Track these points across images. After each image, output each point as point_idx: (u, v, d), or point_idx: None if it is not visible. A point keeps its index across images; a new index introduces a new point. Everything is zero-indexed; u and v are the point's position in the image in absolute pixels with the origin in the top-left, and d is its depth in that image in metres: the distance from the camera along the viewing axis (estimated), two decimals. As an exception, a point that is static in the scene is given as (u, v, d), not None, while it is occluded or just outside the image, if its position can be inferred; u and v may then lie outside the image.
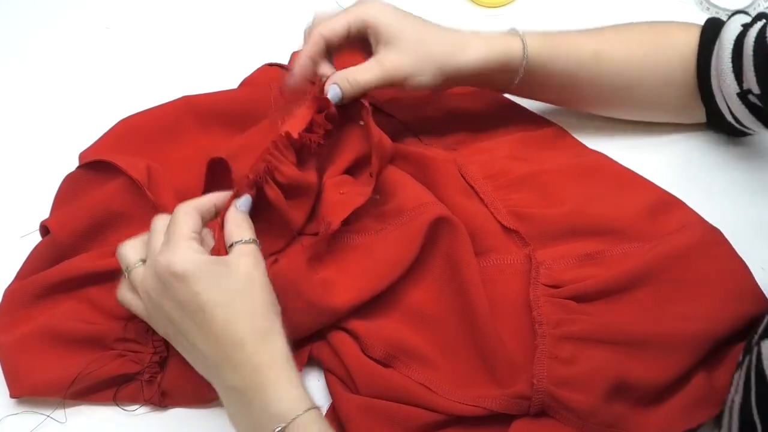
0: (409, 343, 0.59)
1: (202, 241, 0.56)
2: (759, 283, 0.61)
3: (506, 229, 0.65)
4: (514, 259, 0.63)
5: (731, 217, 0.67)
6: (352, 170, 0.66)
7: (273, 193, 0.59)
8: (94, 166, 0.68)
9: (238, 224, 0.56)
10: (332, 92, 0.62)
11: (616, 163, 0.72)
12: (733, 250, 0.63)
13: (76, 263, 0.63)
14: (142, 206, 0.65)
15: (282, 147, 0.59)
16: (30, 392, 0.60)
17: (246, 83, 0.79)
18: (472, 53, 0.65)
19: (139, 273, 0.55)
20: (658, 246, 0.63)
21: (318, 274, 0.60)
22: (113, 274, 0.61)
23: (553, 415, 0.56)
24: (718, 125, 0.73)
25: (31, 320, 0.62)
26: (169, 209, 0.58)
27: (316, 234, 0.62)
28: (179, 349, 0.56)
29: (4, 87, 0.84)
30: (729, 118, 0.70)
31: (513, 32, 0.67)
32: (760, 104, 0.65)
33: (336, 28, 0.63)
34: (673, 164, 0.73)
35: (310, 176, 0.62)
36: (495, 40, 0.66)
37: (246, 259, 0.54)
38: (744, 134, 0.73)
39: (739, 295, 0.60)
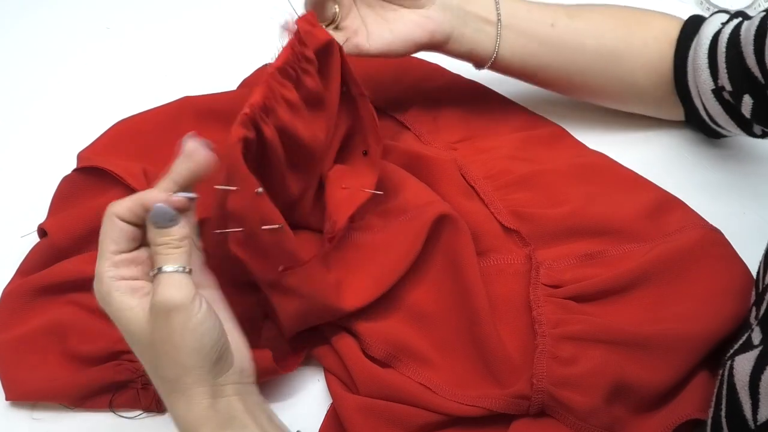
0: (409, 343, 0.59)
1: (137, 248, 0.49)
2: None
3: (506, 229, 0.64)
4: (514, 259, 0.63)
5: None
6: (345, 146, 0.64)
7: (270, 133, 0.55)
8: (92, 170, 0.68)
9: (163, 248, 0.48)
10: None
11: (617, 163, 0.72)
12: (733, 250, 0.63)
13: (73, 265, 0.63)
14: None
15: (274, 86, 0.55)
16: (25, 397, 0.60)
17: (245, 84, 0.79)
18: None
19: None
20: (658, 246, 0.63)
21: (330, 275, 0.60)
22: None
23: (552, 415, 0.56)
24: (696, 124, 0.73)
25: (26, 322, 0.62)
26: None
27: (320, 231, 0.62)
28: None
29: (4, 87, 0.84)
30: (704, 116, 0.70)
31: None
32: (733, 102, 0.65)
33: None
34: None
35: (307, 131, 0.58)
36: None
37: (171, 292, 0.46)
38: (720, 135, 0.73)
39: (739, 296, 0.60)
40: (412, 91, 0.75)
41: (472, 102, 0.76)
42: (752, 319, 0.55)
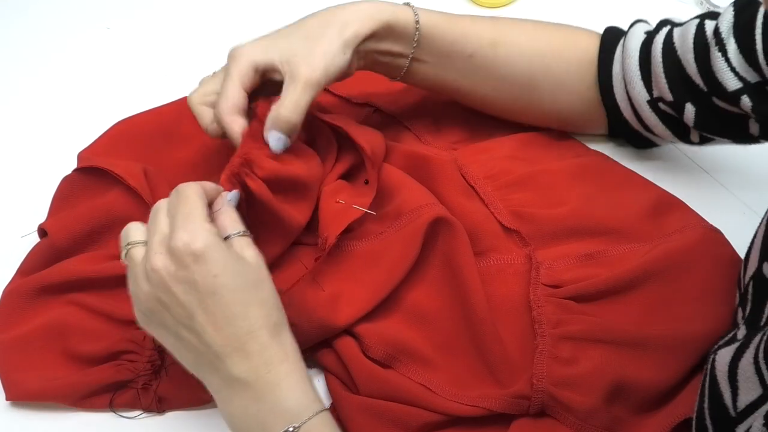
0: (408, 343, 0.59)
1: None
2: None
3: (506, 229, 0.64)
4: (514, 259, 0.63)
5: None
6: (348, 174, 0.66)
7: (255, 185, 0.58)
8: (92, 170, 0.68)
9: (231, 217, 0.54)
10: (274, 141, 0.58)
11: (617, 163, 0.72)
12: (733, 250, 0.63)
13: (73, 265, 0.63)
14: (141, 211, 0.65)
15: (257, 137, 0.58)
16: (25, 397, 0.60)
17: (246, 83, 0.79)
18: (362, 13, 0.62)
19: (139, 252, 0.51)
20: (658, 246, 0.63)
21: (324, 291, 0.60)
22: (110, 280, 0.61)
23: (552, 415, 0.56)
24: (622, 136, 0.73)
25: (27, 322, 0.62)
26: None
27: (314, 244, 0.62)
28: (171, 342, 0.52)
29: (4, 87, 0.84)
30: (637, 127, 0.69)
31: (405, 4, 0.65)
32: (671, 112, 0.65)
33: (233, 98, 0.59)
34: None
35: (296, 168, 0.60)
36: (383, 4, 0.63)
37: (251, 251, 0.52)
38: (649, 145, 0.73)
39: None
40: (411, 92, 0.75)
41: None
42: (739, 320, 0.55)
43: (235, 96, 0.59)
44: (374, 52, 0.64)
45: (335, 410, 0.59)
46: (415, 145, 0.72)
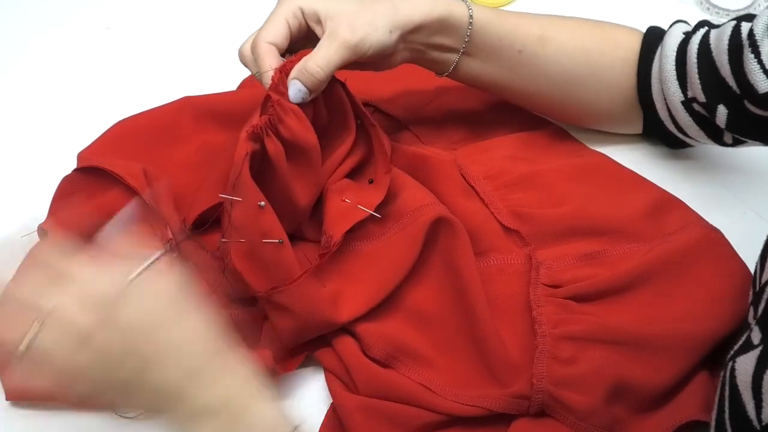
0: (408, 343, 0.59)
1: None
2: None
3: (506, 229, 0.64)
4: (514, 259, 0.63)
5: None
6: (354, 171, 0.66)
7: (274, 147, 0.57)
8: (91, 170, 0.67)
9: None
10: (294, 90, 0.57)
11: (617, 163, 0.72)
12: (733, 250, 0.63)
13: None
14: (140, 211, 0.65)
15: (285, 103, 0.57)
16: (26, 397, 0.60)
17: (245, 85, 0.79)
18: (419, 2, 0.62)
19: (66, 311, 0.45)
20: (658, 246, 0.63)
21: (325, 287, 0.60)
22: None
23: (552, 415, 0.56)
24: (657, 136, 0.73)
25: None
26: (166, 213, 0.57)
27: (318, 241, 0.62)
28: (116, 398, 0.49)
29: (4, 87, 0.84)
30: (671, 128, 0.69)
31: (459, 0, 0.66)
32: (705, 113, 0.65)
33: (275, 28, 0.59)
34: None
35: (312, 137, 0.59)
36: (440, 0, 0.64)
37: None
38: (683, 146, 0.73)
39: (739, 296, 0.60)
40: (411, 92, 0.75)
41: (472, 102, 0.76)
42: (750, 319, 0.55)
43: (275, 27, 0.59)
44: (424, 46, 0.64)
45: (335, 410, 0.59)
46: (415, 145, 0.72)
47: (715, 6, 0.87)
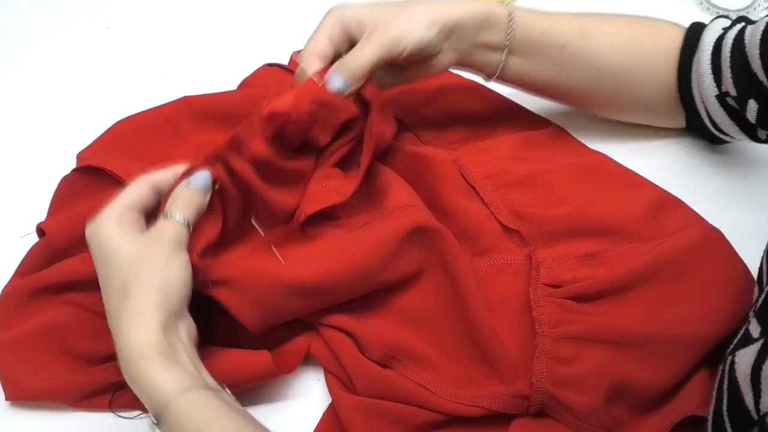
0: (406, 344, 0.59)
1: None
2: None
3: (507, 229, 0.64)
4: (514, 259, 0.63)
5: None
6: (344, 162, 0.65)
7: (240, 166, 0.57)
8: (91, 170, 0.67)
9: (181, 199, 0.56)
10: (334, 82, 0.60)
11: (617, 163, 0.72)
12: (733, 250, 0.63)
13: (71, 266, 0.63)
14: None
15: (255, 123, 0.58)
16: (25, 397, 0.60)
17: (245, 84, 0.79)
18: (457, 1, 0.64)
19: None
20: (658, 246, 0.63)
21: (282, 263, 0.59)
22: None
23: (552, 415, 0.56)
24: (697, 130, 0.73)
25: (25, 322, 0.62)
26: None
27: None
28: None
29: (4, 87, 0.84)
30: (707, 122, 0.69)
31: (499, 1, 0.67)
32: (737, 107, 0.65)
33: (318, 41, 0.62)
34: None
35: (291, 163, 0.60)
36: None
37: (168, 234, 0.54)
38: (722, 141, 0.73)
39: (739, 296, 0.60)
40: (411, 92, 0.75)
41: (472, 102, 0.76)
42: (749, 311, 0.55)
43: (317, 40, 0.62)
44: (470, 46, 0.65)
45: (335, 410, 0.59)
46: (415, 144, 0.72)
47: (715, 6, 0.87)
